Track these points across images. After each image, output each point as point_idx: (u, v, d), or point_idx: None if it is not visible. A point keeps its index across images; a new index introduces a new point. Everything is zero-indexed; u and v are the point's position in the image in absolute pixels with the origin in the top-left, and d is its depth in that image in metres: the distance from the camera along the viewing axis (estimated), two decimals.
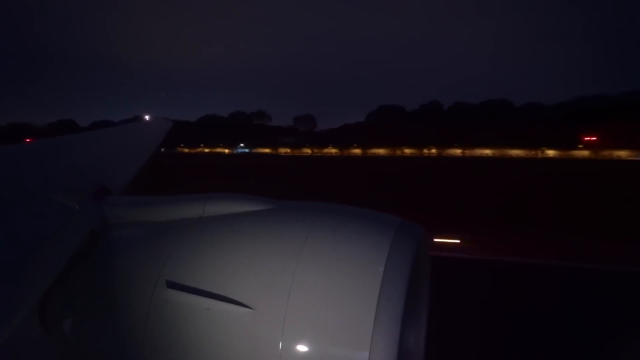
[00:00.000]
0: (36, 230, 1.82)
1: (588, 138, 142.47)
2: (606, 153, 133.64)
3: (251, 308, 1.52)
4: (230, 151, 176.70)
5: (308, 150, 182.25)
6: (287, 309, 1.48)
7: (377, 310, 1.42)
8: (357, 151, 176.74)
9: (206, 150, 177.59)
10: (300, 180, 52.43)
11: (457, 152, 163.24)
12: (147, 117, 7.12)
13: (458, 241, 19.78)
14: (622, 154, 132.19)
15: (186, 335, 1.56)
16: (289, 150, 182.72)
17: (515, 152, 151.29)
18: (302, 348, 1.45)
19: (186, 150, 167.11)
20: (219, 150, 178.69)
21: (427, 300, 1.93)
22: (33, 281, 1.57)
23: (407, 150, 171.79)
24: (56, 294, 1.78)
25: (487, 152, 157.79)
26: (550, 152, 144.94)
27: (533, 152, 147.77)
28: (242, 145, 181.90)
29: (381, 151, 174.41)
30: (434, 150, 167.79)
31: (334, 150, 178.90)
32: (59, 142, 3.47)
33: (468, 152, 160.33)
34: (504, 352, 8.49)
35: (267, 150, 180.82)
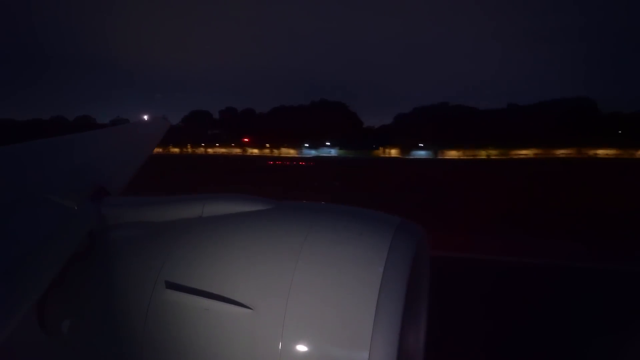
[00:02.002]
0: (34, 231, 1.75)
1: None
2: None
3: (250, 308, 1.50)
4: None
5: None
6: (287, 309, 1.47)
7: (376, 310, 1.41)
8: (159, 149, 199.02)
9: None
10: None
11: (211, 150, 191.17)
12: (145, 117, 6.87)
13: None
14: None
15: (185, 336, 1.55)
16: None
17: (253, 151, 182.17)
18: (301, 348, 1.44)
19: None
20: None
21: (427, 300, 1.93)
22: (31, 282, 1.53)
23: (174, 149, 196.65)
24: (54, 295, 1.75)
25: (238, 150, 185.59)
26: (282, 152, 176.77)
27: (268, 151, 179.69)
28: None
29: (175, 150, 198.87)
30: (190, 149, 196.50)
31: None
32: (56, 142, 3.38)
33: (230, 152, 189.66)
34: (504, 353, 8.26)
35: None
